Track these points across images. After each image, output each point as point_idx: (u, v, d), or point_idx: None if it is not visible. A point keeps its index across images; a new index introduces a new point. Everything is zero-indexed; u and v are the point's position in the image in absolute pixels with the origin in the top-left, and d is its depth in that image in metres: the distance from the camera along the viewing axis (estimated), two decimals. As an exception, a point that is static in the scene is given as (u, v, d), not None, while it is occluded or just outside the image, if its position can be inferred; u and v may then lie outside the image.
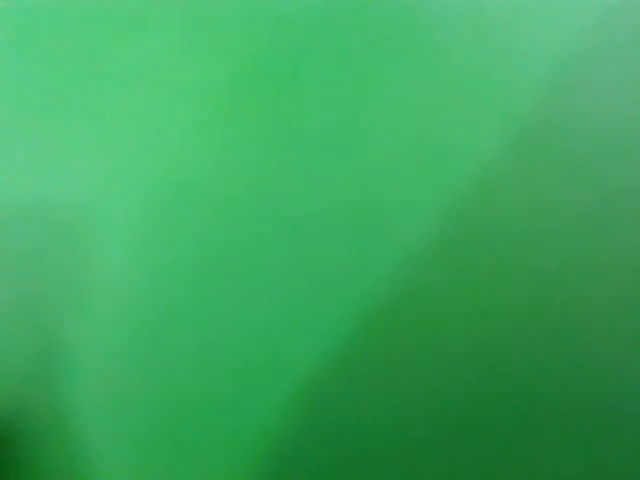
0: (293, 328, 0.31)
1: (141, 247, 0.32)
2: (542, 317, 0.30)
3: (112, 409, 0.30)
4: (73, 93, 0.34)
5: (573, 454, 0.29)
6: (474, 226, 0.31)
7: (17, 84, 0.34)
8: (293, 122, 0.33)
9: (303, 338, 0.31)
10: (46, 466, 0.30)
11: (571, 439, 0.29)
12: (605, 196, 0.31)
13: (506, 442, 0.29)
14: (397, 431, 0.30)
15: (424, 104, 0.33)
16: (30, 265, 0.32)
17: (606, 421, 0.29)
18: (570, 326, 0.30)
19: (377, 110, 0.33)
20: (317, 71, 0.33)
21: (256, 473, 0.30)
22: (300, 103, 0.33)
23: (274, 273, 0.31)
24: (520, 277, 0.31)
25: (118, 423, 0.30)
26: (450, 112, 0.33)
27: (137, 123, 0.33)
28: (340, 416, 0.30)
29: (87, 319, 0.31)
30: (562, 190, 0.31)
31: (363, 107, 0.33)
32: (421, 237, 0.31)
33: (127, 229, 0.32)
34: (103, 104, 0.33)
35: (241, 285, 0.31)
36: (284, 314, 0.31)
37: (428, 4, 0.34)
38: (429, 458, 0.29)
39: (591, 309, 0.30)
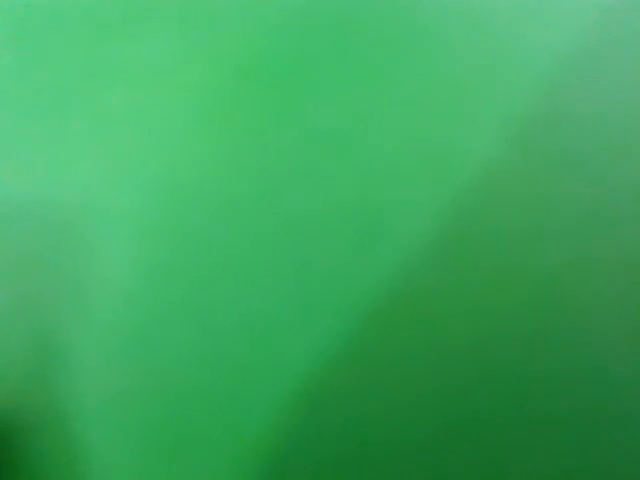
0: (293, 326, 0.31)
1: (141, 246, 0.32)
2: (542, 316, 0.30)
3: (112, 408, 0.30)
4: (73, 93, 0.34)
5: (573, 454, 0.29)
6: (474, 225, 0.31)
7: (17, 84, 0.34)
8: (293, 122, 0.33)
9: (303, 336, 0.31)
10: (46, 465, 0.30)
11: (571, 439, 0.29)
12: (605, 195, 0.31)
13: (506, 441, 0.29)
14: (398, 428, 0.30)
15: (424, 103, 0.33)
16: (30, 265, 0.32)
17: (606, 421, 0.29)
18: (570, 325, 0.30)
19: (377, 110, 0.33)
20: (317, 71, 0.33)
21: (257, 471, 0.29)
22: (300, 103, 0.33)
23: (274, 271, 0.31)
24: (520, 276, 0.31)
25: (118, 422, 0.30)
26: (450, 111, 0.33)
27: (137, 123, 0.33)
28: (340, 414, 0.30)
29: (87, 319, 0.31)
30: (562, 189, 0.31)
31: (363, 107, 0.33)
32: (421, 236, 0.31)
33: (127, 228, 0.32)
34: (103, 103, 0.33)
35: (241, 284, 0.31)
36: (284, 312, 0.31)
37: (429, 4, 0.34)
38: (429, 456, 0.29)
39: (591, 308, 0.30)
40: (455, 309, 0.30)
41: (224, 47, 0.34)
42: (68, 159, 0.33)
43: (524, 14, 0.33)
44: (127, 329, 0.31)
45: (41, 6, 0.35)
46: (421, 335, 0.30)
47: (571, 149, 0.32)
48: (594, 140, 0.32)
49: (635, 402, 0.29)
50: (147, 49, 0.34)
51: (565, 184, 0.31)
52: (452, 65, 0.33)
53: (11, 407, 0.30)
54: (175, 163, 0.33)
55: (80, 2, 0.35)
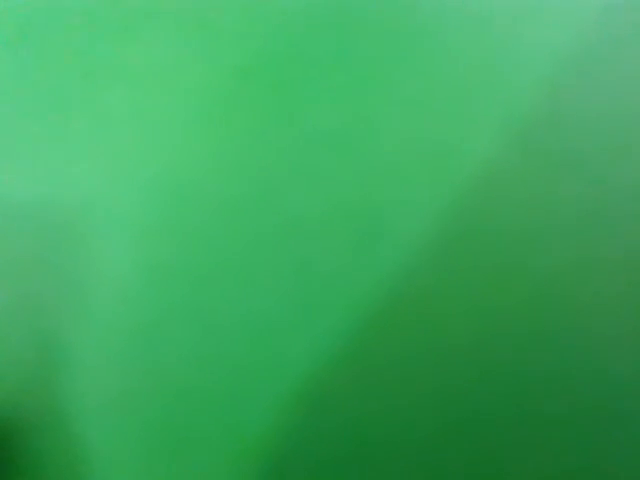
0: (293, 326, 0.31)
1: (141, 246, 0.32)
2: (542, 316, 0.30)
3: (112, 408, 0.30)
4: (73, 93, 0.34)
5: (573, 454, 0.29)
6: (474, 225, 0.31)
7: (17, 84, 0.34)
8: (293, 121, 0.33)
9: (303, 336, 0.31)
10: (46, 465, 0.30)
11: (571, 439, 0.29)
12: (605, 195, 0.31)
13: (506, 441, 0.29)
14: (398, 428, 0.30)
15: (425, 103, 0.33)
16: (30, 265, 0.32)
17: (606, 421, 0.29)
18: (570, 325, 0.30)
19: (377, 109, 0.33)
20: (317, 71, 0.33)
21: (257, 471, 0.29)
22: (300, 103, 0.33)
23: (274, 271, 0.31)
24: (520, 276, 0.31)
25: (118, 422, 0.30)
26: (450, 111, 0.33)
27: (137, 123, 0.33)
28: (340, 414, 0.30)
29: (87, 318, 0.31)
30: (562, 189, 0.31)
31: (363, 107, 0.33)
32: (421, 236, 0.31)
33: (127, 228, 0.32)
34: (103, 103, 0.33)
35: (241, 284, 0.31)
36: (284, 312, 0.31)
37: (429, 4, 0.34)
38: (429, 456, 0.29)
39: (591, 308, 0.30)
40: (455, 309, 0.30)
41: (224, 47, 0.34)
42: (68, 159, 0.33)
43: (524, 14, 0.33)
44: (127, 329, 0.31)
45: (41, 6, 0.35)
46: (421, 335, 0.30)
47: (571, 149, 0.32)
48: (594, 140, 0.32)
49: (635, 402, 0.29)
50: (147, 49, 0.34)
51: (565, 184, 0.31)
52: (452, 65, 0.33)
53: (11, 407, 0.30)
54: (175, 163, 0.33)
55: (80, 2, 0.35)
